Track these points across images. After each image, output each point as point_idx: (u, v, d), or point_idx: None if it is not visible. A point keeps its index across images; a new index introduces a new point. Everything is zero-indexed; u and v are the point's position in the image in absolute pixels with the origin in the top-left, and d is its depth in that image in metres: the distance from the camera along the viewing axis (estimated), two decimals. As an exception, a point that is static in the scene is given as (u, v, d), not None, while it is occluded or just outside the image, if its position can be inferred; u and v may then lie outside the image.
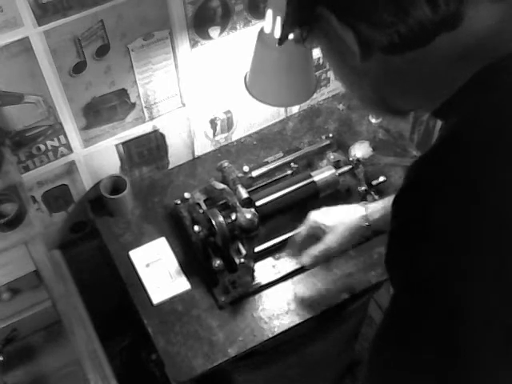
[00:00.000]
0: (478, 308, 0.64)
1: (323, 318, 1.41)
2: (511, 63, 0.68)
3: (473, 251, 0.65)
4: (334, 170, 1.46)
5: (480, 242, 0.64)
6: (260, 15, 1.40)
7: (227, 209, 1.39)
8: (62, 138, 1.41)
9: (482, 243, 0.64)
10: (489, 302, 0.64)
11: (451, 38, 0.70)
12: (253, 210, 1.36)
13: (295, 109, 1.74)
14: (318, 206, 1.36)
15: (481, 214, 0.65)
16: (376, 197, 1.48)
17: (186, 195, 1.50)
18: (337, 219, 1.31)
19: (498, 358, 0.65)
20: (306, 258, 1.34)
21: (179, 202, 1.50)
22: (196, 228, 1.39)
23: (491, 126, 0.68)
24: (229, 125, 1.65)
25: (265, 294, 1.42)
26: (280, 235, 1.46)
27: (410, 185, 0.71)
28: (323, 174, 1.46)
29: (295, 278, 1.44)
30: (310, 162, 1.57)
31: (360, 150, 1.60)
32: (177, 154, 1.63)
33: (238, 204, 1.37)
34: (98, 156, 1.50)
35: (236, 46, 1.45)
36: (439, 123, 1.32)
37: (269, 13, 1.19)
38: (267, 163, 1.57)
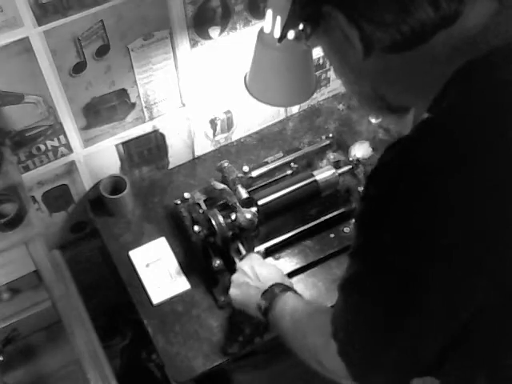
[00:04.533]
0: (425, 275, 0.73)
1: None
2: (493, 59, 0.72)
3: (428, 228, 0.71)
4: (334, 170, 1.46)
5: (442, 222, 0.70)
6: (260, 15, 1.40)
7: (227, 209, 1.39)
8: (62, 137, 1.41)
9: (444, 222, 0.70)
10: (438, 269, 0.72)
11: (447, 35, 0.72)
12: (253, 209, 1.36)
13: (295, 109, 1.74)
14: (318, 206, 1.36)
15: (445, 194, 0.69)
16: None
17: (186, 195, 1.50)
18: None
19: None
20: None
21: (179, 202, 1.50)
22: (196, 228, 1.39)
23: (464, 112, 0.71)
24: (229, 125, 1.65)
25: (265, 294, 1.42)
26: (280, 235, 1.46)
27: (383, 163, 0.75)
28: (323, 174, 1.46)
29: (295, 278, 1.43)
30: (309, 162, 1.57)
31: (360, 150, 1.60)
32: (177, 154, 1.63)
33: (237, 204, 1.37)
34: (98, 156, 1.50)
35: (236, 46, 1.45)
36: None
37: (269, 13, 1.19)
38: (267, 163, 1.57)
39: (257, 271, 1.24)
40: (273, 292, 1.15)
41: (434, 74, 0.75)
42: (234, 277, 1.28)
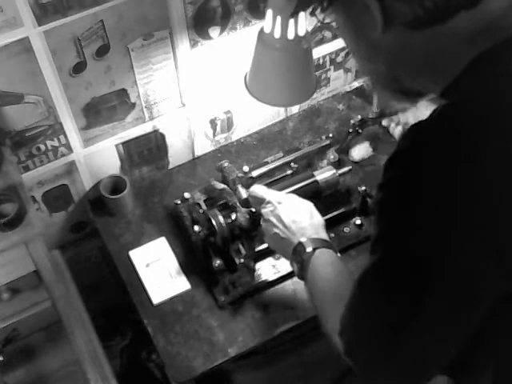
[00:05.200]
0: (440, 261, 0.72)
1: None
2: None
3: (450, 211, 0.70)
4: (334, 171, 1.46)
5: (465, 206, 0.69)
6: (260, 15, 1.40)
7: (227, 209, 1.39)
8: (62, 137, 1.41)
9: (466, 207, 0.69)
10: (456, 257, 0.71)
11: (469, 17, 0.71)
12: (253, 209, 1.36)
13: (295, 109, 1.74)
14: (318, 206, 1.35)
15: (467, 178, 0.69)
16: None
17: (186, 195, 1.50)
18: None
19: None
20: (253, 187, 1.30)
21: (179, 202, 1.50)
22: (196, 228, 1.39)
23: (484, 101, 0.70)
24: (229, 125, 1.65)
25: (265, 293, 1.42)
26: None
27: (402, 149, 0.75)
28: (324, 174, 1.46)
29: (295, 278, 1.43)
30: (309, 162, 1.57)
31: (360, 150, 1.60)
32: (177, 154, 1.63)
33: (238, 204, 1.37)
34: (98, 156, 1.50)
35: (236, 46, 1.45)
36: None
37: (269, 13, 1.19)
38: (267, 163, 1.56)
39: (285, 221, 1.17)
40: (301, 253, 1.10)
41: (453, 57, 0.74)
42: (263, 227, 1.22)
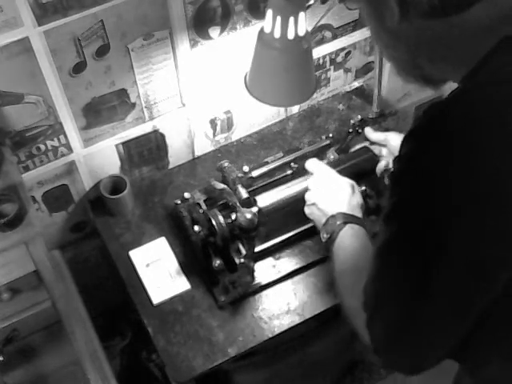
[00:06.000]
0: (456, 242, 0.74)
1: (323, 318, 1.41)
2: None
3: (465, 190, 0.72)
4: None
5: (476, 186, 0.71)
6: (260, 15, 1.40)
7: (227, 209, 1.39)
8: (62, 137, 1.41)
9: (479, 187, 0.71)
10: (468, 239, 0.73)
11: (488, 6, 0.71)
12: (253, 209, 1.36)
13: (295, 109, 1.74)
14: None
15: (479, 158, 0.71)
16: (374, 200, 1.47)
17: (186, 195, 1.50)
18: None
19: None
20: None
21: (179, 201, 1.50)
22: (196, 228, 1.38)
23: (504, 91, 0.71)
24: (229, 125, 1.65)
25: (265, 294, 1.42)
26: (280, 235, 1.46)
27: (418, 126, 0.77)
28: (323, 174, 1.46)
29: (295, 278, 1.44)
30: (310, 162, 1.57)
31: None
32: (177, 154, 1.63)
33: (238, 204, 1.37)
34: (98, 156, 1.50)
35: (236, 46, 1.45)
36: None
37: (269, 13, 1.19)
38: (267, 163, 1.56)
39: (323, 192, 1.24)
40: (332, 225, 1.15)
41: (473, 45, 0.74)
42: (306, 196, 1.28)
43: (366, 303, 0.87)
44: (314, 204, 1.25)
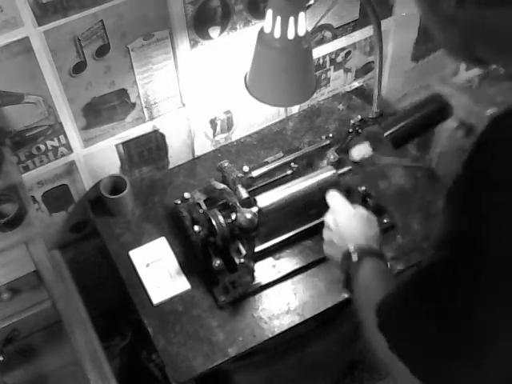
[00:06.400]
0: None
1: (323, 318, 1.41)
2: None
3: None
4: (334, 171, 1.46)
5: None
6: (260, 15, 1.40)
7: (227, 209, 1.39)
8: (62, 137, 1.41)
9: None
10: None
11: None
12: (253, 209, 1.36)
13: (295, 109, 1.74)
14: (318, 206, 1.35)
15: None
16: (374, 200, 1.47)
17: (186, 195, 1.50)
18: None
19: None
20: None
21: (179, 201, 1.50)
22: (196, 228, 1.39)
23: None
24: (229, 125, 1.65)
25: (265, 293, 1.42)
26: (280, 235, 1.46)
27: (486, 141, 0.74)
28: (323, 174, 1.46)
29: (295, 278, 1.44)
30: (309, 162, 1.57)
31: (360, 150, 1.59)
32: (177, 154, 1.63)
33: (238, 204, 1.37)
34: (98, 156, 1.50)
35: (236, 46, 1.45)
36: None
37: (269, 13, 1.19)
38: (267, 163, 1.56)
39: (340, 228, 1.17)
40: (349, 261, 1.08)
41: None
42: (324, 234, 1.21)
43: (384, 324, 0.84)
44: (330, 240, 1.19)
